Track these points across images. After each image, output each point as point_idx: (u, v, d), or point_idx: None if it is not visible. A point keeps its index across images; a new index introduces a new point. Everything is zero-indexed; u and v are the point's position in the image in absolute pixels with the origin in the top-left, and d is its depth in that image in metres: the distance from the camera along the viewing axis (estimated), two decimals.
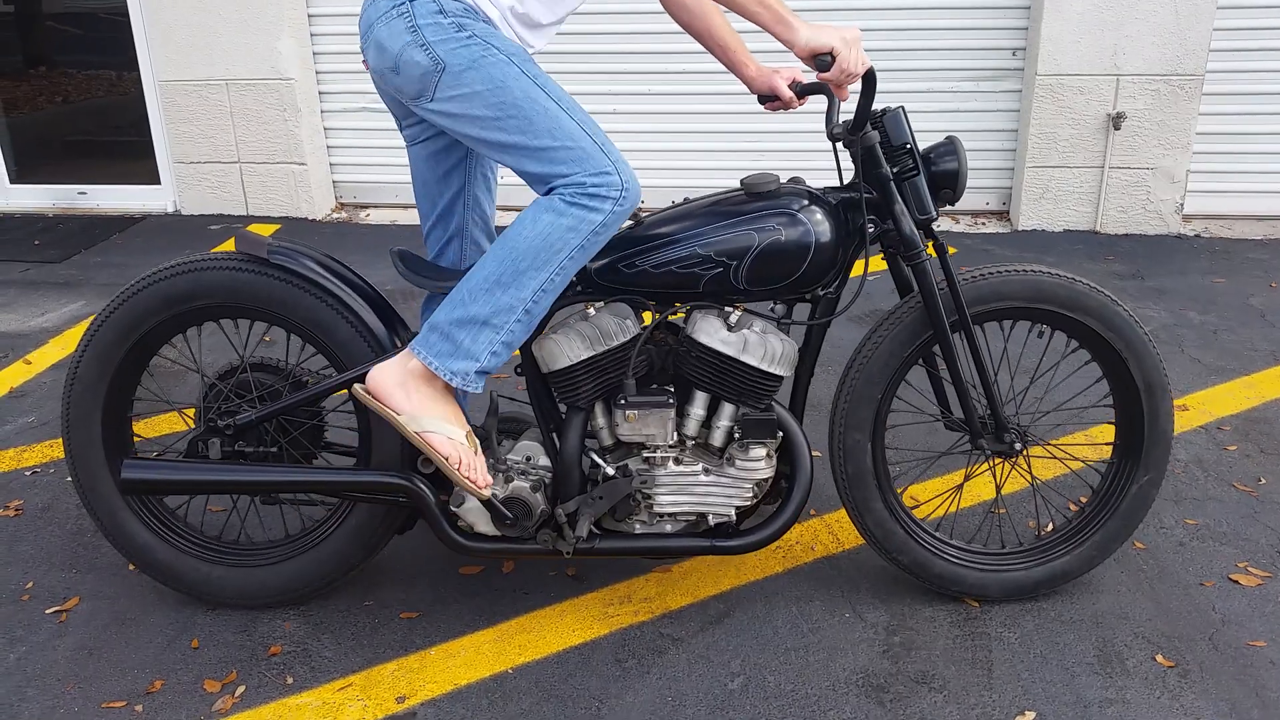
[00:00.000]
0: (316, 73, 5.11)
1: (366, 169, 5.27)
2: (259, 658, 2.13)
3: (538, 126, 1.82)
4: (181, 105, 5.05)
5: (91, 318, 2.41)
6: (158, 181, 5.32)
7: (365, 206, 5.31)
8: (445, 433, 1.94)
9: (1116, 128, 4.51)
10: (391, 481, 2.09)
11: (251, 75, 4.94)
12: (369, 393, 1.96)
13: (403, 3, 1.83)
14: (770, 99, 2.16)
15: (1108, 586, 2.29)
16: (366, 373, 2.05)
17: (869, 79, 1.97)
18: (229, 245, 4.61)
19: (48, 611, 2.29)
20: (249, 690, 2.04)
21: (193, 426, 2.20)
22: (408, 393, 1.93)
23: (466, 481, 1.95)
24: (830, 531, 2.52)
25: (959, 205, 4.96)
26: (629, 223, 2.06)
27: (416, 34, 1.82)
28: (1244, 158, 4.72)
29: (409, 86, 1.87)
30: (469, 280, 1.91)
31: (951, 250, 4.47)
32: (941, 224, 4.83)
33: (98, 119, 5.49)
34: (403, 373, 1.94)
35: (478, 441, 2.01)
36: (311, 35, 5.05)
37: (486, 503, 2.05)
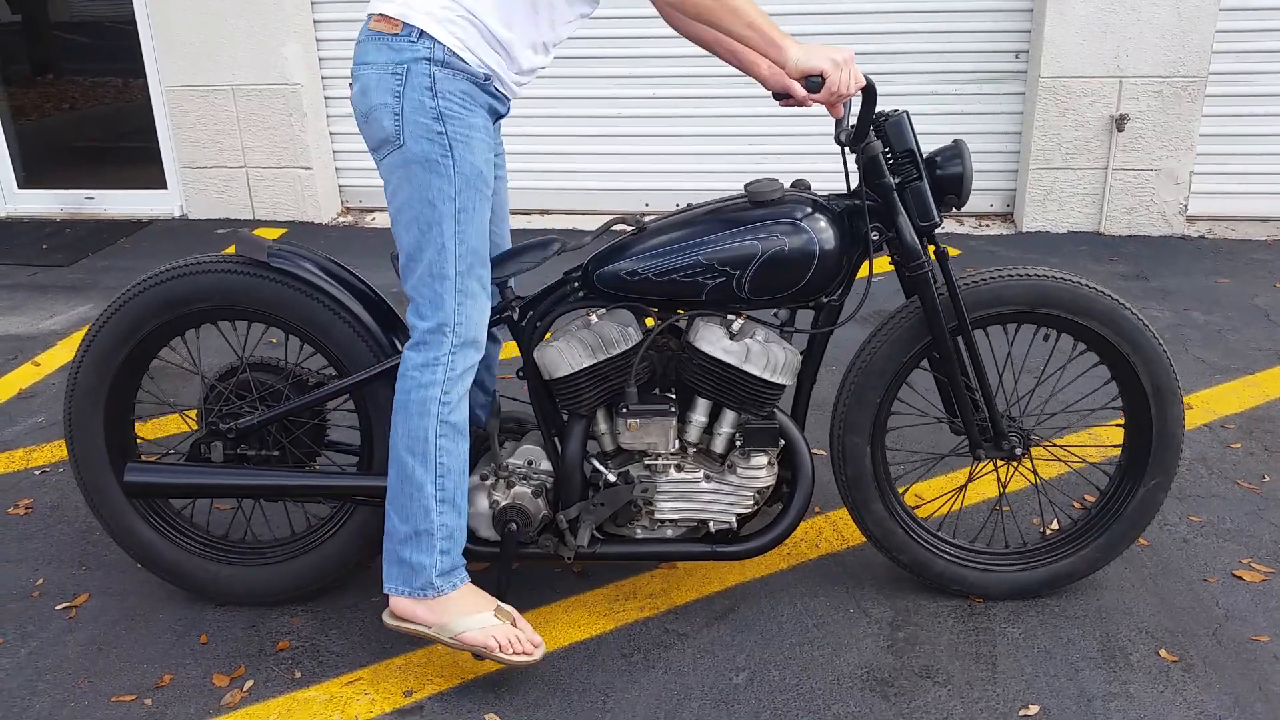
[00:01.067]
0: (322, 78, 5.14)
1: (372, 173, 5.29)
2: (267, 652, 2.15)
3: (425, 258, 1.86)
4: (188, 111, 5.08)
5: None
6: (164, 186, 5.35)
7: (371, 210, 5.34)
8: (476, 625, 1.96)
9: (1120, 129, 4.52)
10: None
11: (258, 81, 4.97)
12: (397, 620, 1.99)
13: (403, 65, 1.81)
14: (784, 96, 2.16)
15: (1111, 582, 2.30)
16: (368, 377, 2.07)
17: (869, 91, 1.96)
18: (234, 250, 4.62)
19: (58, 608, 2.31)
20: (257, 684, 2.06)
21: (195, 429, 2.21)
22: (428, 608, 1.97)
23: (518, 659, 1.96)
24: (835, 529, 2.53)
25: (964, 208, 4.97)
26: (631, 229, 2.06)
27: (398, 100, 1.81)
28: (1248, 159, 4.73)
29: (369, 137, 1.90)
30: (388, 502, 1.96)
31: (956, 252, 4.48)
32: (946, 225, 4.85)
33: (105, 125, 5.52)
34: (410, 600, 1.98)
35: (510, 611, 2.01)
36: (317, 41, 5.08)
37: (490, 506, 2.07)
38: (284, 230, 5.03)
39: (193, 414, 3.02)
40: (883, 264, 2.12)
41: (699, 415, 2.08)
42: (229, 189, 5.20)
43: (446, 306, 1.88)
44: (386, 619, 2.00)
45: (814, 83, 1.88)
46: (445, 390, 1.90)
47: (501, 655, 1.95)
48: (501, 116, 1.98)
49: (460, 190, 1.85)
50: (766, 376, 2.01)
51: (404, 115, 1.81)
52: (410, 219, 1.86)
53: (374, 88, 1.84)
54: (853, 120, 2.00)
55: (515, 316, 2.10)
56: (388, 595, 1.99)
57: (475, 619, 1.96)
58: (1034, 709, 1.95)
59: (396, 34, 1.81)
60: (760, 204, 2.00)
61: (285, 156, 5.09)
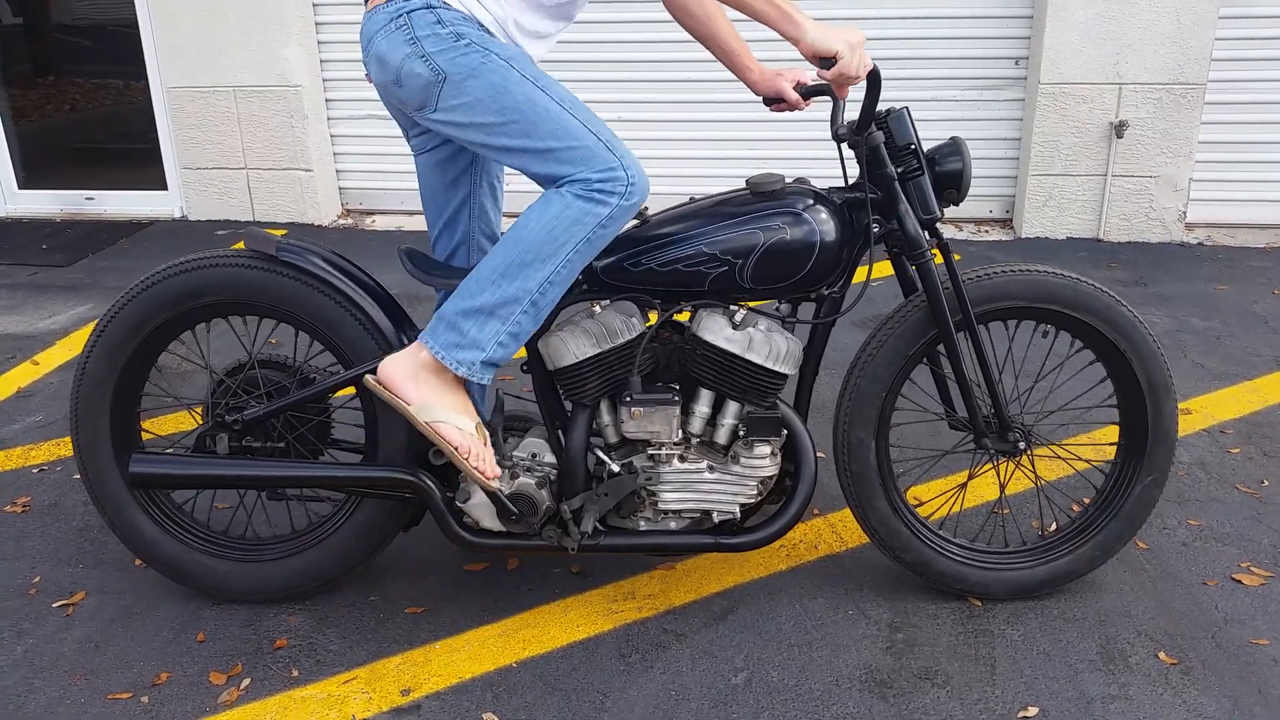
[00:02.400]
0: (323, 80, 5.15)
1: (373, 176, 5.30)
2: (264, 651, 2.14)
3: (541, 129, 1.84)
4: (189, 112, 5.08)
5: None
6: (165, 187, 5.35)
7: (371, 213, 5.34)
8: (455, 423, 1.95)
9: (1119, 136, 4.53)
10: (398, 477, 2.10)
11: (259, 82, 4.98)
12: (380, 383, 1.98)
13: (400, 15, 1.84)
14: (776, 101, 2.18)
15: (1111, 585, 2.30)
16: (375, 367, 2.07)
17: (874, 79, 1.99)
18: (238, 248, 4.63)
19: (54, 605, 2.30)
20: (254, 683, 2.05)
21: (201, 424, 2.21)
22: (418, 384, 1.95)
23: (475, 472, 1.96)
24: (834, 530, 2.53)
25: (963, 213, 4.98)
26: (634, 221, 2.08)
27: (416, 45, 1.83)
28: (1246, 166, 4.73)
29: (412, 98, 1.89)
30: (477, 272, 1.93)
31: (956, 257, 4.48)
32: (945, 231, 4.82)
33: (105, 126, 5.52)
34: (414, 365, 1.96)
35: (487, 434, 2.03)
36: (319, 43, 5.08)
37: (493, 497, 2.07)
38: (284, 232, 5.03)
39: (199, 411, 3.02)
40: (883, 269, 2.12)
41: (702, 406, 2.09)
42: (229, 190, 5.20)
43: (597, 149, 1.84)
44: (369, 379, 1.98)
45: (827, 62, 1.90)
46: (611, 217, 1.86)
47: (463, 459, 1.95)
48: None
49: (520, 67, 1.84)
50: (769, 365, 2.02)
51: (429, 52, 1.82)
52: (505, 123, 1.83)
53: (388, 51, 1.86)
54: (849, 116, 2.01)
55: None
56: (376, 371, 1.98)
57: (456, 417, 1.96)
58: (1033, 711, 1.95)
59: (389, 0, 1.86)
60: (762, 195, 2.02)
61: (286, 158, 5.09)
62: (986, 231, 4.88)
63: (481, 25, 1.89)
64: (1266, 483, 2.70)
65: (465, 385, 2.02)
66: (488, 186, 2.24)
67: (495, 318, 1.91)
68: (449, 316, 1.93)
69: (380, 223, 5.22)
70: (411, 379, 1.95)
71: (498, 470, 2.01)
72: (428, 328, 1.97)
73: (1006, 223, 4.96)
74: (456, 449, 1.95)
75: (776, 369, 2.04)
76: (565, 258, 1.88)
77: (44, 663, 2.12)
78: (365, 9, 1.92)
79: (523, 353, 2.12)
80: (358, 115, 5.20)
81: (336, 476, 2.12)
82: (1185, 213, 4.65)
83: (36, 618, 2.26)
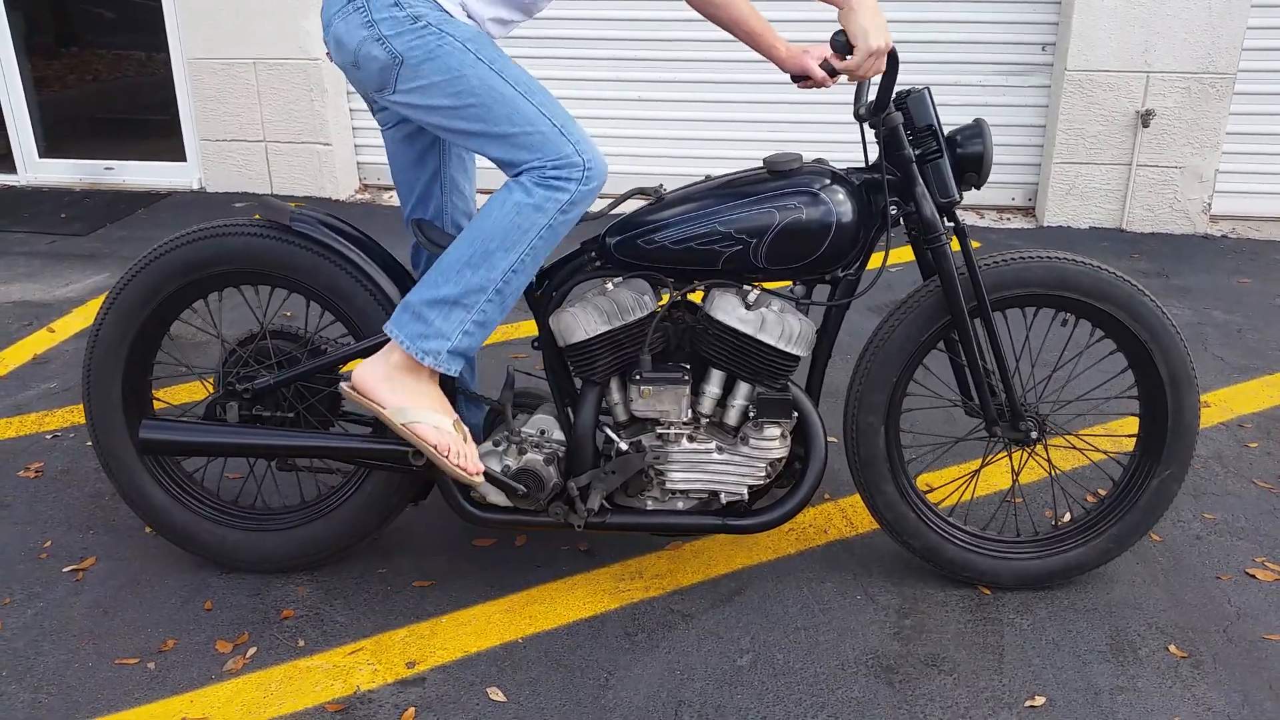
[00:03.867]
0: None
1: None
2: (271, 620, 2.15)
3: (496, 114, 1.83)
4: (209, 84, 5.08)
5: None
6: (184, 159, 5.35)
7: (388, 188, 5.33)
8: (431, 422, 1.94)
9: (1145, 125, 4.47)
10: (407, 448, 2.09)
11: (279, 55, 4.97)
12: (355, 390, 1.97)
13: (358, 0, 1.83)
14: (802, 79, 2.15)
15: (1122, 577, 2.28)
16: (381, 343, 2.07)
17: (892, 61, 1.95)
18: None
19: (65, 570, 2.31)
20: (260, 651, 2.06)
21: (213, 392, 2.21)
22: (392, 387, 1.94)
23: (457, 469, 1.96)
24: (844, 515, 2.51)
25: (985, 200, 4.93)
26: (650, 199, 2.06)
27: (373, 29, 1.83)
28: (1275, 158, 4.66)
29: (370, 80, 1.89)
30: (441, 262, 1.93)
31: (976, 245, 4.44)
32: (966, 218, 4.80)
33: (126, 97, 5.53)
34: (386, 368, 1.96)
35: (466, 430, 2.02)
36: None
37: (494, 479, 2.06)
38: (298, 204, 5.03)
39: (211, 382, 3.03)
40: (902, 254, 2.10)
41: (713, 387, 2.07)
42: (247, 163, 5.20)
43: (552, 134, 1.84)
44: (344, 388, 1.98)
45: (839, 42, 1.88)
46: (571, 202, 1.86)
47: (443, 459, 1.94)
48: None
49: (477, 50, 1.84)
50: (781, 346, 2.00)
51: (385, 35, 1.83)
52: (461, 107, 1.84)
53: (346, 34, 1.86)
54: (873, 95, 1.99)
55: (532, 285, 2.09)
56: (350, 376, 1.98)
57: (433, 416, 1.95)
58: (1040, 700, 1.93)
59: None
60: (779, 175, 1.99)
61: (305, 131, 5.08)
62: (1008, 219, 4.83)
63: (440, 6, 1.88)
64: None
65: (442, 383, 2.00)
66: (457, 160, 2.23)
67: (460, 307, 1.90)
68: (414, 306, 1.93)
69: (397, 198, 5.21)
70: (385, 382, 1.95)
71: (480, 466, 2.00)
72: (393, 316, 1.96)
73: (1029, 210, 4.91)
74: (435, 448, 1.94)
75: (789, 350, 2.02)
76: (529, 245, 1.88)
77: (53, 626, 2.13)
78: None
79: (534, 328, 2.11)
80: None
81: (345, 448, 2.12)
82: (1210, 205, 4.59)
83: (47, 582, 2.27)
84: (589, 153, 1.87)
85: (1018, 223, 4.78)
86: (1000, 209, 4.94)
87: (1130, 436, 2.30)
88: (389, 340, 1.96)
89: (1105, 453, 2.51)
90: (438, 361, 1.93)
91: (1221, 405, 3.05)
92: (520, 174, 1.87)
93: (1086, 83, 4.48)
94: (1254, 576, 2.28)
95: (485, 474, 2.04)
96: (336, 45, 1.90)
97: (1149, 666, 2.01)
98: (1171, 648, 2.06)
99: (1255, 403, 3.07)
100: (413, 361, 1.94)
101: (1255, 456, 2.77)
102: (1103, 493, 2.57)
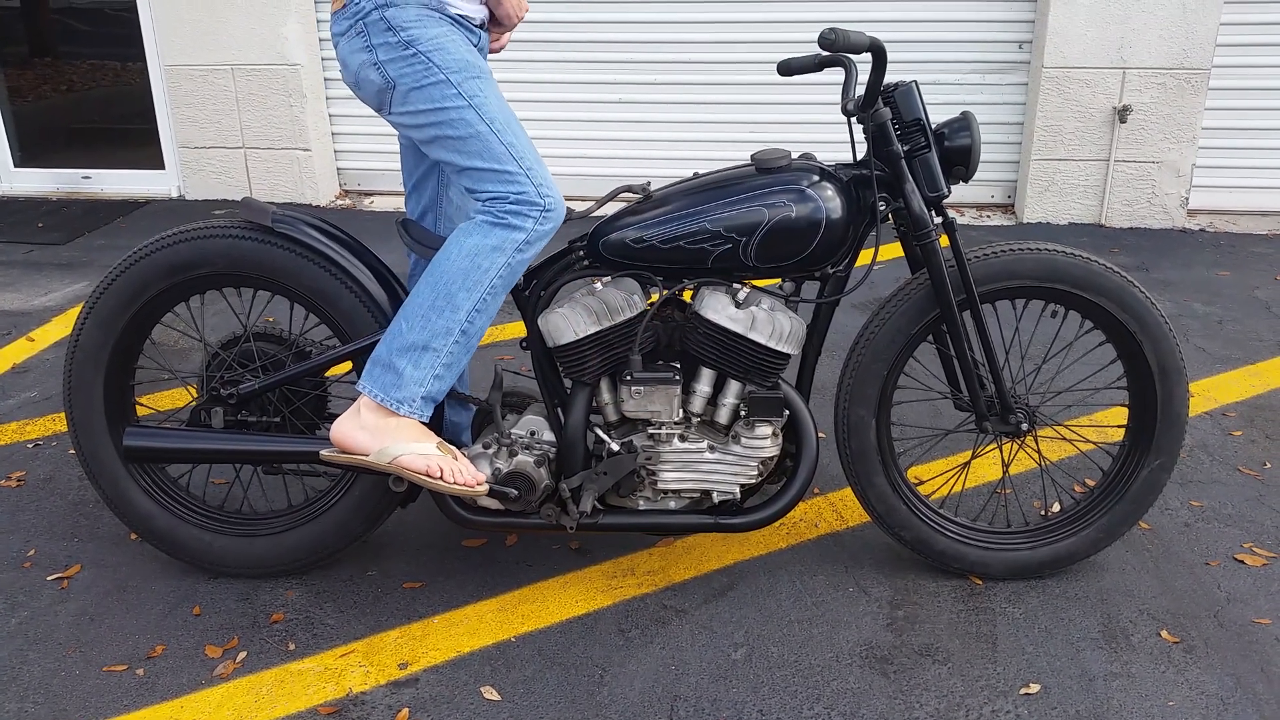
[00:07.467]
0: (322, 59, 5.11)
1: (371, 156, 5.27)
2: (261, 625, 2.12)
3: (469, 148, 1.90)
4: (187, 90, 5.05)
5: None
6: (162, 167, 5.32)
7: (369, 194, 5.31)
8: (415, 450, 1.95)
9: (1122, 121, 4.51)
10: None
11: (257, 61, 4.94)
12: (337, 447, 1.99)
13: (358, 21, 1.91)
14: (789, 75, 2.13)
15: (1113, 565, 2.29)
16: (372, 342, 2.05)
17: (879, 54, 1.94)
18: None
19: (49, 578, 2.28)
20: (250, 656, 2.04)
21: (197, 397, 2.19)
22: (370, 433, 1.96)
23: (456, 487, 1.96)
24: (834, 509, 2.51)
25: (965, 198, 4.96)
26: (638, 196, 2.05)
27: (371, 53, 1.91)
28: (1250, 153, 4.71)
29: (370, 99, 1.98)
30: (405, 310, 1.95)
31: None
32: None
33: (103, 106, 5.49)
34: (358, 419, 1.97)
35: (452, 448, 2.02)
36: (318, 21, 5.05)
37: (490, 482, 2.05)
38: None
39: (195, 387, 3.00)
40: (890, 250, 2.10)
41: (703, 386, 2.07)
42: (227, 170, 5.17)
43: (516, 175, 1.90)
44: (326, 454, 2.00)
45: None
46: (528, 241, 1.92)
47: (441, 482, 1.95)
48: (471, 38, 1.99)
49: (460, 83, 1.89)
50: (772, 345, 2.00)
51: (381, 60, 1.90)
52: (439, 138, 1.91)
53: (348, 56, 1.95)
54: (860, 90, 1.98)
55: (520, 285, 2.08)
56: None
57: (416, 445, 1.96)
58: (1034, 688, 1.93)
59: (345, 4, 1.92)
60: (767, 172, 1.99)
61: (284, 138, 5.06)
62: (988, 216, 4.86)
63: (425, 4, 1.90)
64: (1268, 465, 2.69)
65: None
66: None
67: (429, 351, 1.93)
68: (383, 359, 1.96)
69: (379, 203, 5.19)
70: (361, 430, 1.96)
71: (479, 476, 2.00)
72: (364, 374, 1.98)
73: (1008, 208, 4.94)
74: (425, 474, 1.94)
75: (779, 348, 2.01)
76: (489, 284, 1.92)
77: (39, 635, 2.10)
78: (332, 12, 1.99)
79: (521, 329, 2.10)
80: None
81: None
82: (1188, 199, 4.63)
83: (31, 590, 2.24)
84: (550, 194, 1.92)
85: (997, 220, 4.81)
86: (980, 206, 4.97)
87: (1119, 427, 2.31)
88: (363, 377, 1.98)
89: (1094, 443, 2.52)
90: (413, 409, 1.95)
91: (1205, 395, 3.08)
92: (477, 212, 1.93)
93: (1063, 80, 4.51)
94: (1242, 562, 2.29)
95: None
96: (342, 65, 1.98)
97: (1142, 652, 2.02)
98: (1163, 633, 2.07)
99: (1238, 392, 3.10)
100: (385, 409, 1.96)
101: (1240, 444, 2.79)
102: (1091, 483, 2.58)
